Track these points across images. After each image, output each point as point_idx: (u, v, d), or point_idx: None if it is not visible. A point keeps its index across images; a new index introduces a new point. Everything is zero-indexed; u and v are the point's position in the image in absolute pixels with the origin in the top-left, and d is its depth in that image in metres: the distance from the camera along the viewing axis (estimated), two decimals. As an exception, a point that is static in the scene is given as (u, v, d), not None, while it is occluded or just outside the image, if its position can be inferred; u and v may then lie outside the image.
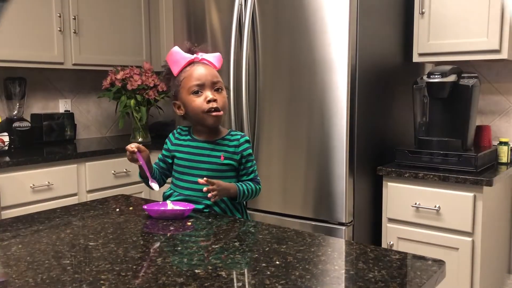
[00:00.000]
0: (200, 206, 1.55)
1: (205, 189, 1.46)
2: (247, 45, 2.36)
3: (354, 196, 2.23)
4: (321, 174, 2.21)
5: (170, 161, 1.67)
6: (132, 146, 1.54)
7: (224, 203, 1.58)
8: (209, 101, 1.52)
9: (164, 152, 1.68)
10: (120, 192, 2.82)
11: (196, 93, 1.53)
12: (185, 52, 1.59)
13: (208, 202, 1.55)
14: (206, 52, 1.62)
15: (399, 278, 1.01)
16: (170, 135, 1.69)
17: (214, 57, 1.60)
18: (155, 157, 1.72)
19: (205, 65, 1.56)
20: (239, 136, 1.61)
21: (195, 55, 1.58)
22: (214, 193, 1.47)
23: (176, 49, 1.58)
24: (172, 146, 1.65)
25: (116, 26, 3.29)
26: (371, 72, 2.31)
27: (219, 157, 1.57)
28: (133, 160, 1.56)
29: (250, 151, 1.61)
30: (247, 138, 1.62)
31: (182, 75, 1.56)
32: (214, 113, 1.53)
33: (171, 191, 1.63)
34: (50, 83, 3.30)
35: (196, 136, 1.62)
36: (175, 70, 1.57)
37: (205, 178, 1.46)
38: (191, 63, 1.57)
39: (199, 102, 1.53)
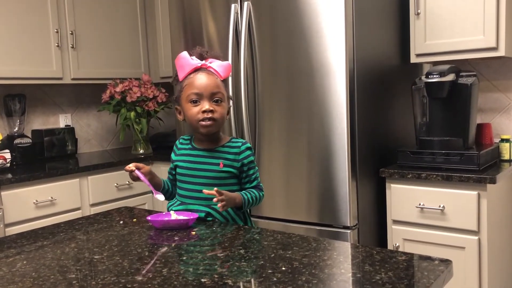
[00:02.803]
0: (202, 214, 1.55)
1: (215, 199, 1.45)
2: (245, 53, 2.37)
3: (357, 199, 2.22)
4: (323, 178, 2.21)
5: (174, 172, 1.68)
6: (130, 166, 1.56)
7: (225, 211, 1.57)
8: (204, 111, 1.52)
9: (171, 164, 1.69)
10: (123, 205, 2.81)
11: (194, 102, 1.53)
12: (196, 57, 1.58)
13: (208, 209, 1.54)
14: (218, 58, 1.61)
15: (406, 279, 1.00)
16: (174, 147, 1.70)
17: (220, 66, 1.57)
18: (157, 168, 1.72)
19: (208, 74, 1.54)
20: (240, 144, 1.60)
21: (202, 62, 1.56)
22: (223, 203, 1.46)
23: (184, 54, 1.57)
24: (176, 156, 1.66)
25: (114, 40, 3.30)
26: (369, 74, 2.31)
27: (218, 164, 1.56)
28: (135, 178, 1.58)
29: (251, 158, 1.60)
30: (248, 145, 1.61)
31: (185, 82, 1.56)
32: (204, 123, 1.52)
33: (174, 200, 1.63)
34: (50, 99, 3.31)
35: (197, 144, 1.62)
36: (180, 75, 1.57)
37: (215, 189, 1.45)
38: (196, 70, 1.55)
39: (195, 111, 1.53)
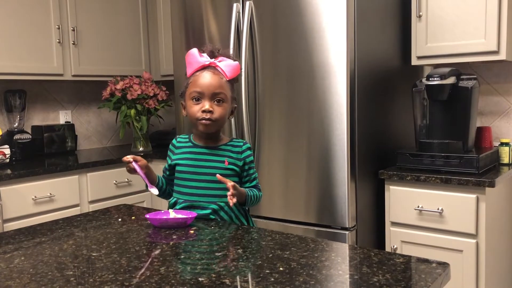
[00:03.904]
0: (207, 211, 1.55)
1: (229, 193, 1.46)
2: (246, 52, 2.37)
3: (356, 200, 2.22)
4: (322, 179, 2.21)
5: (168, 172, 1.69)
6: (128, 157, 1.58)
7: (230, 208, 1.58)
8: (203, 111, 1.53)
9: (166, 164, 1.70)
10: (122, 202, 2.81)
11: (196, 100, 1.55)
12: (207, 54, 1.59)
13: (214, 206, 1.55)
14: (229, 57, 1.61)
15: (404, 282, 1.00)
16: (170, 146, 1.70)
17: (228, 66, 1.57)
18: (156, 166, 1.73)
19: (213, 74, 1.55)
20: (241, 143, 1.63)
21: (211, 60, 1.57)
22: (234, 200, 1.47)
23: (193, 51, 1.59)
24: (174, 155, 1.66)
25: (115, 37, 3.30)
26: (370, 76, 2.31)
27: (223, 162, 1.57)
28: (131, 170, 1.58)
29: (252, 158, 1.63)
30: (248, 145, 1.64)
31: (190, 79, 1.57)
32: (203, 121, 1.54)
33: (175, 199, 1.63)
34: (50, 95, 3.31)
35: (197, 142, 1.63)
36: (188, 71, 1.59)
37: (231, 183, 1.46)
38: (203, 68, 1.56)
39: (196, 109, 1.55)
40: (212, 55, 1.59)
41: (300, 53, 2.23)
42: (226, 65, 1.57)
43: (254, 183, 1.63)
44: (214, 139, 1.61)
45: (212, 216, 1.56)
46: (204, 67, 1.56)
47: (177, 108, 1.63)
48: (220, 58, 1.59)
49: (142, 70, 3.43)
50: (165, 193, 1.70)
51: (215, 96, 1.54)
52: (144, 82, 3.21)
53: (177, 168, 1.63)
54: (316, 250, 1.22)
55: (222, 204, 1.55)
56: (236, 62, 1.61)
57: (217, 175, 1.49)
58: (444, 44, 2.38)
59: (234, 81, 1.61)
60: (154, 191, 1.60)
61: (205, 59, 1.57)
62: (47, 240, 1.36)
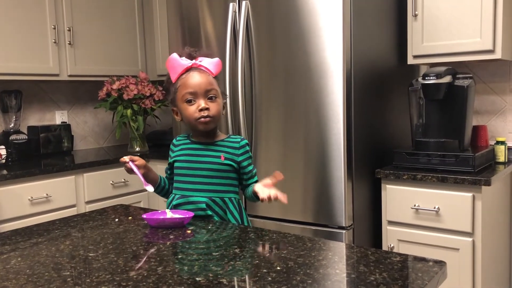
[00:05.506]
0: (201, 205, 1.56)
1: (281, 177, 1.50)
2: (242, 52, 2.37)
3: (353, 199, 2.22)
4: (319, 178, 2.21)
5: (170, 172, 1.70)
6: (124, 158, 1.58)
7: (224, 203, 1.59)
8: (201, 110, 1.54)
9: (168, 164, 1.71)
10: (119, 202, 2.80)
11: (189, 101, 1.56)
12: (186, 57, 1.60)
13: (208, 200, 1.56)
14: (208, 56, 1.63)
15: (401, 280, 1.01)
16: (171, 145, 1.72)
17: (211, 63, 1.60)
18: (153, 166, 1.73)
19: (200, 73, 1.57)
20: (239, 139, 1.63)
21: (193, 61, 1.59)
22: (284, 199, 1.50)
23: (174, 56, 1.60)
24: (173, 153, 1.67)
25: (111, 37, 3.29)
26: (366, 75, 2.32)
27: (219, 157, 1.58)
28: (129, 171, 1.59)
29: (250, 154, 1.65)
30: (246, 141, 1.65)
31: (178, 83, 1.58)
32: (202, 120, 1.55)
33: (173, 195, 1.64)
34: (46, 95, 3.30)
35: (195, 139, 1.65)
36: (172, 77, 1.60)
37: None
38: (188, 70, 1.57)
39: (192, 110, 1.55)
40: (191, 57, 1.61)
41: (296, 52, 2.23)
42: (209, 62, 1.60)
43: (256, 178, 1.65)
44: (212, 136, 1.63)
45: (209, 212, 1.56)
46: (188, 69, 1.58)
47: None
48: (200, 58, 1.61)
49: (139, 70, 3.43)
50: (168, 193, 1.71)
51: (208, 93, 1.56)
52: (141, 82, 3.20)
53: (175, 164, 1.65)
54: (313, 249, 1.22)
55: (216, 198, 1.56)
56: (217, 58, 1.64)
57: (276, 172, 1.51)
58: (440, 43, 2.39)
59: (218, 78, 1.63)
60: (150, 188, 1.60)
61: (186, 61, 1.59)
62: (44, 241, 1.36)
